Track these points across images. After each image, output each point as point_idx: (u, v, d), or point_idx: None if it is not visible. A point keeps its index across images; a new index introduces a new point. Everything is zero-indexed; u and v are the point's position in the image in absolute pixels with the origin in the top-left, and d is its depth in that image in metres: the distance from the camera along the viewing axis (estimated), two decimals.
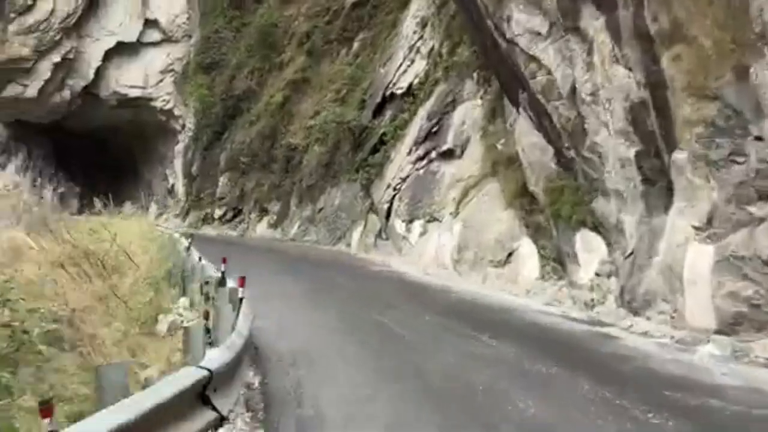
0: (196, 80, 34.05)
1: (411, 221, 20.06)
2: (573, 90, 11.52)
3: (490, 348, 8.87)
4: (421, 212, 19.56)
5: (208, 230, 32.65)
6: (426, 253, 18.32)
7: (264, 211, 29.98)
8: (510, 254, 14.56)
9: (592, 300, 11.58)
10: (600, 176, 11.26)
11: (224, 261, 11.14)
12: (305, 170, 27.87)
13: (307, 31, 30.56)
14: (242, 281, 8.17)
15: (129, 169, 41.83)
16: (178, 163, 36.77)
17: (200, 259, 12.82)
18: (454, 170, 19.03)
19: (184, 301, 10.59)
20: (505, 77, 14.82)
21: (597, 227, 11.86)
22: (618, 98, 10.32)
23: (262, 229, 29.88)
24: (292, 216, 28.20)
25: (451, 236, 16.78)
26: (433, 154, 20.30)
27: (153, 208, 39.49)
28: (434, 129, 20.46)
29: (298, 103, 29.69)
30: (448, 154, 19.57)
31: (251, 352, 8.13)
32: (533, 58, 12.53)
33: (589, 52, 11.02)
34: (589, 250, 12.05)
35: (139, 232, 14.84)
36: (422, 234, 19.31)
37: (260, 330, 9.32)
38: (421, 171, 20.65)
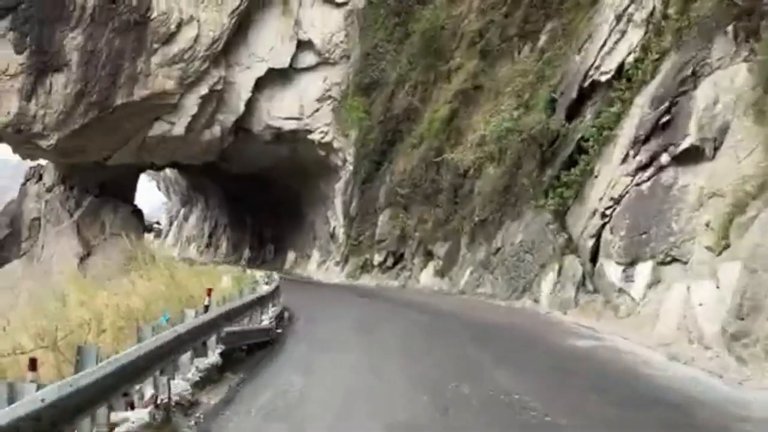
0: (353, 103, 29.41)
1: (632, 264, 12.93)
2: None
3: None
4: (650, 250, 12.39)
5: (366, 280, 27.37)
6: (664, 318, 11.09)
7: (428, 255, 24.04)
8: None
9: None
10: None
11: None
12: (477, 200, 21.65)
13: (480, 29, 24.61)
14: None
15: (294, 212, 38.31)
16: (338, 203, 32.25)
17: None
18: (704, 179, 11.71)
19: None
20: None
21: None
22: None
23: (426, 277, 23.92)
24: (462, 261, 21.94)
25: (715, 290, 9.46)
26: (665, 158, 13.08)
27: (315, 255, 35.34)
28: (664, 120, 13.30)
29: (467, 117, 23.71)
30: (691, 156, 12.33)
31: None
32: None
33: None
34: None
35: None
36: (653, 284, 12.13)
37: None
38: (646, 185, 13.47)
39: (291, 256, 38.57)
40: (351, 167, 30.77)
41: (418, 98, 26.55)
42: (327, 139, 32.36)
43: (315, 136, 32.48)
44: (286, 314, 15.86)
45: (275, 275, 19.45)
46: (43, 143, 28.68)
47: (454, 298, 20.42)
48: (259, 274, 21.61)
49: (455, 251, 22.55)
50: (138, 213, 35.91)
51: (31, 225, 33.15)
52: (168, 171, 54.28)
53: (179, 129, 30.30)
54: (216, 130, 31.53)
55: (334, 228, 32.75)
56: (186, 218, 56.14)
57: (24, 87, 27.78)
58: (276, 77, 31.94)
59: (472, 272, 21.03)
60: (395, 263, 26.27)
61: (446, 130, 24.08)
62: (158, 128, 30.35)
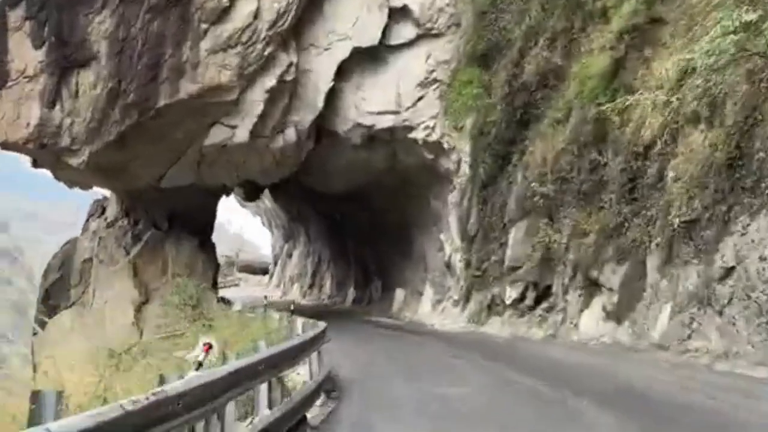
0: (465, 78, 21.58)
1: None
2: None
3: None
4: None
5: (496, 326, 19.14)
6: None
7: (592, 286, 15.48)
8: None
9: None
10: None
11: None
12: (673, 189, 13.05)
13: None
14: None
15: (400, 237, 30.66)
16: (453, 220, 24.23)
17: None
18: None
19: None
20: None
21: None
22: None
23: (590, 322, 15.39)
24: (653, 293, 13.29)
25: None
26: None
27: (428, 292, 27.35)
28: None
29: (642, 65, 15.24)
30: None
31: None
32: None
33: None
34: None
35: None
36: None
37: None
38: None
39: (400, 294, 30.75)
40: (467, 169, 22.75)
41: (560, 53, 18.25)
42: (434, 136, 24.59)
43: (418, 134, 24.81)
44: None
45: (320, 326, 11.88)
46: (74, 160, 23.00)
47: (650, 361, 11.86)
48: (300, 323, 14.45)
49: (637, 278, 13.91)
50: (207, 247, 29.60)
51: (82, 268, 27.70)
52: (267, 202, 48.71)
53: (242, 134, 23.71)
54: (290, 134, 24.67)
55: (449, 255, 24.68)
56: (289, 255, 50.03)
57: (45, 90, 22.34)
58: (364, 59, 24.79)
59: (675, 313, 12.34)
60: (538, 301, 17.83)
61: (608, 90, 15.63)
62: (216, 135, 23.90)
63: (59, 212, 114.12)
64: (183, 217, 30.25)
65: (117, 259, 27.52)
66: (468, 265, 21.83)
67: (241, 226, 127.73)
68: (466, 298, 21.93)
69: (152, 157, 24.40)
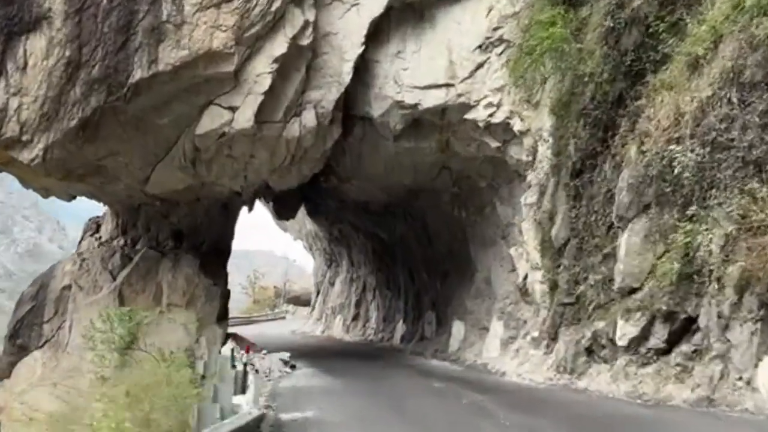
0: (544, 20, 15.46)
1: None
2: None
3: None
4: None
5: (602, 380, 12.83)
6: None
7: None
8: None
9: None
10: None
11: None
12: None
13: None
14: None
15: (457, 256, 24.44)
16: (528, 229, 17.95)
17: None
18: None
19: None
20: None
21: None
22: None
23: None
24: None
25: None
26: None
27: (497, 328, 21.03)
28: None
29: None
30: None
31: None
32: None
33: None
34: None
35: None
36: None
37: None
38: None
39: (458, 330, 24.41)
40: (548, 155, 16.54)
41: None
42: (500, 116, 18.55)
43: (478, 114, 18.80)
44: None
45: None
46: (24, 155, 17.82)
47: None
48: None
49: None
50: (216, 271, 23.91)
51: (60, 297, 22.47)
52: (308, 224, 43.19)
53: (245, 119, 18.22)
54: (308, 118, 19.04)
55: (524, 277, 18.36)
56: (332, 283, 44.10)
57: None
58: (404, 17, 19.12)
59: None
60: (674, 341, 11.41)
61: None
62: (211, 119, 18.44)
63: None
64: (191, 237, 24.98)
65: (101, 285, 22.23)
66: (554, 288, 15.52)
67: (291, 255, 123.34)
68: (552, 336, 15.59)
69: (131, 151, 19.12)
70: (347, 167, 21.56)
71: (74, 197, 23.23)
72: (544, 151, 16.73)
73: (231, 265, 27.86)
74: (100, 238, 25.49)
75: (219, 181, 20.99)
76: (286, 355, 20.93)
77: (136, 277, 22.24)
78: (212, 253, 25.11)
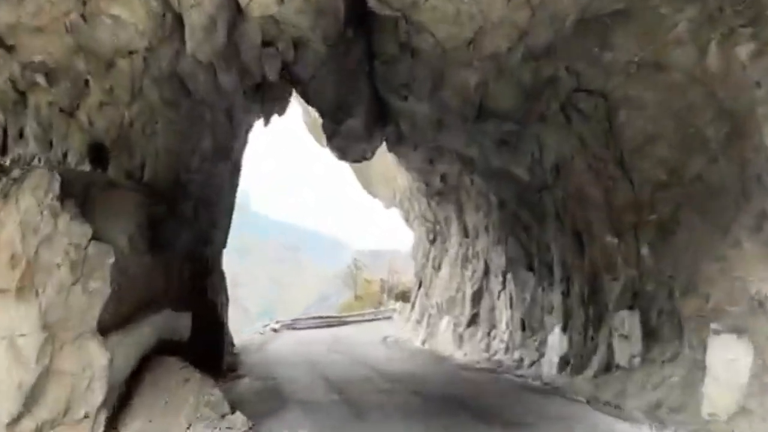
0: None
1: None
2: None
3: None
4: None
5: None
6: None
7: None
8: None
9: None
10: None
11: None
12: None
13: None
14: None
15: (694, 185, 11.69)
16: None
17: None
18: None
19: None
20: None
21: None
22: None
23: None
24: None
25: None
26: None
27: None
28: None
29: None
30: None
31: None
32: None
33: None
34: None
35: None
36: None
37: None
38: None
39: (724, 353, 11.42)
40: None
41: None
42: None
43: None
44: None
45: None
46: None
47: None
48: None
49: None
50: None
51: None
52: (399, 177, 31.64)
53: None
54: None
55: None
56: (436, 267, 31.75)
57: None
58: None
59: None
60: None
61: None
62: None
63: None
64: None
65: None
66: None
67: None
68: None
69: None
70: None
71: None
72: None
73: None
74: None
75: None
76: None
77: None
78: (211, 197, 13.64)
